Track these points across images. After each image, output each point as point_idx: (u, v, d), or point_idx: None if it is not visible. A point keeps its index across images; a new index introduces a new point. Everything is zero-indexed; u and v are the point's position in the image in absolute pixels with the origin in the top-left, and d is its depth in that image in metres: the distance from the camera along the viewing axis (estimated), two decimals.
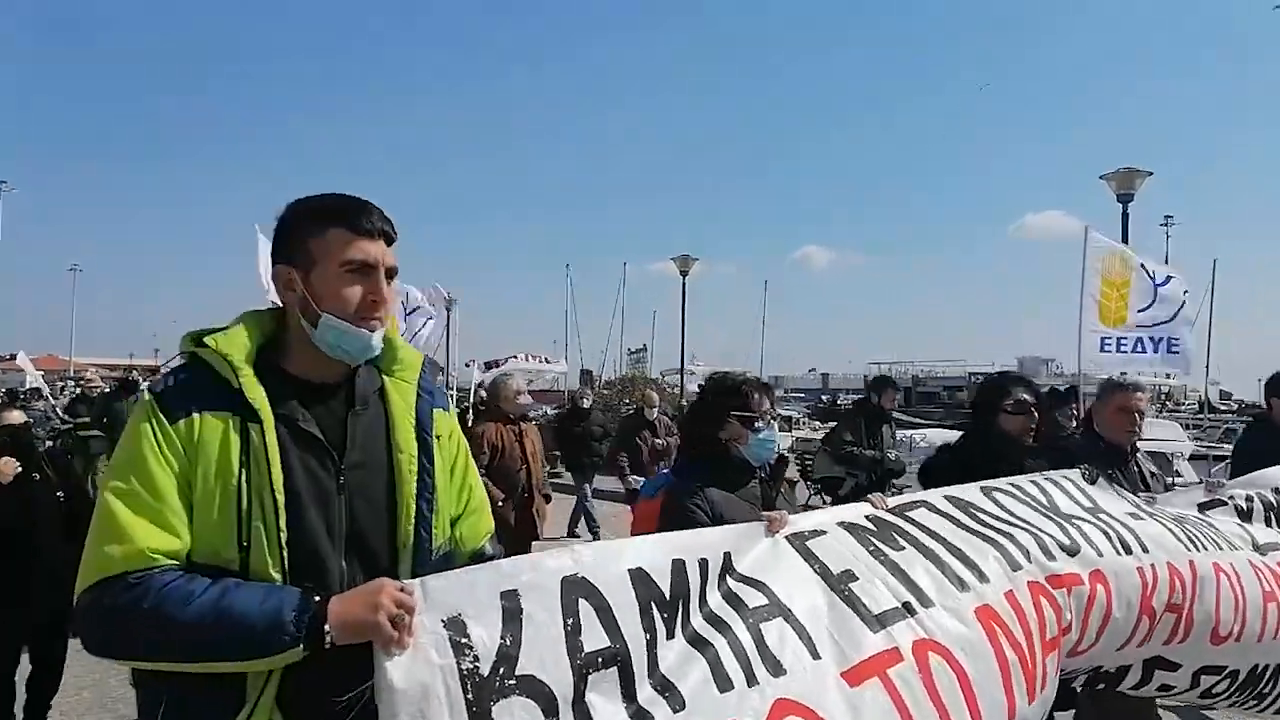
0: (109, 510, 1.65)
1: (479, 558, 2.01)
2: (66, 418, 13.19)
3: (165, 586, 1.61)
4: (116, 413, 12.21)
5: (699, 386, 3.35)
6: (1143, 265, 7.73)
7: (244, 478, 1.70)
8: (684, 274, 25.19)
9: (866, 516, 2.72)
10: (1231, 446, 7.79)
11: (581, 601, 1.81)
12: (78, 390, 18.08)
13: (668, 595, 2.00)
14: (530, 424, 7.19)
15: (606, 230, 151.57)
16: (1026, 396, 3.91)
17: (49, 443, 9.83)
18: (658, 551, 2.08)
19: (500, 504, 6.39)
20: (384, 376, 1.96)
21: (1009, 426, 3.89)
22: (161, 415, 1.71)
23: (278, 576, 1.69)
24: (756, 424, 3.15)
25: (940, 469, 3.80)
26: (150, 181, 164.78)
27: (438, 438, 1.96)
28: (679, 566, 2.07)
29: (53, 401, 20.10)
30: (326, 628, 1.59)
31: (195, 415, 1.71)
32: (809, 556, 2.41)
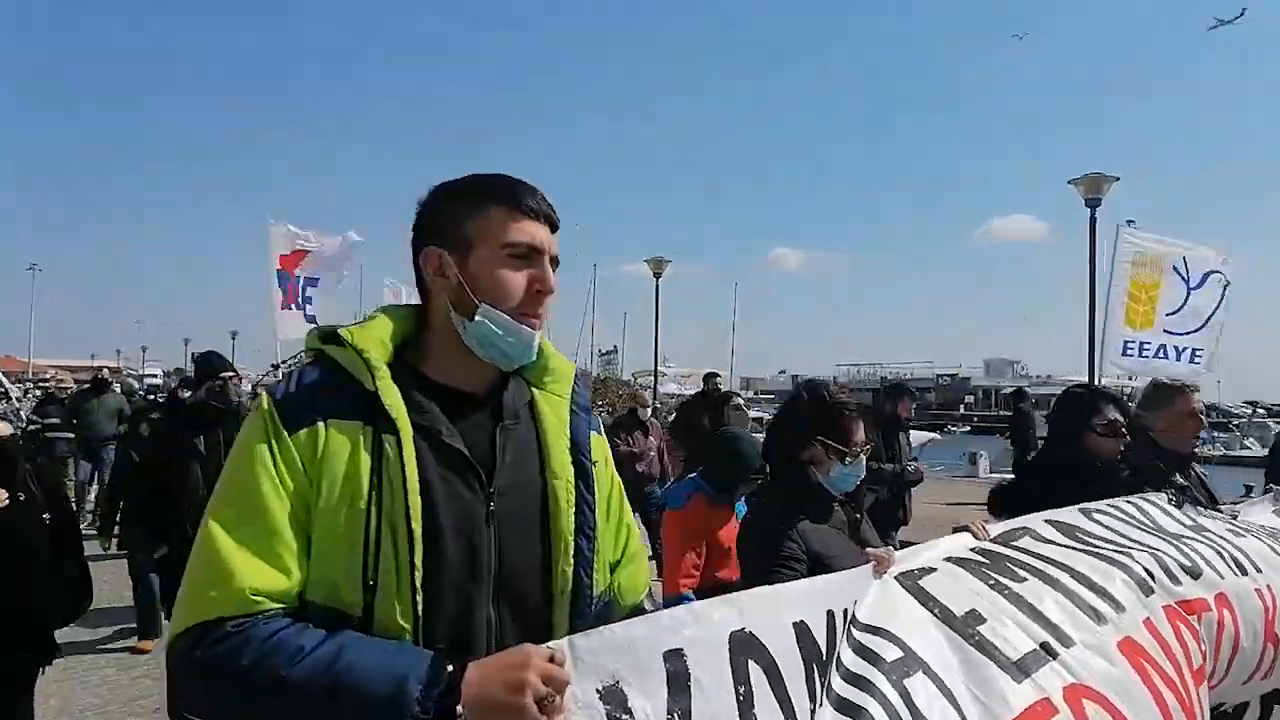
0: (211, 542, 1.37)
1: (636, 615, 1.70)
2: (35, 418, 12.72)
3: (270, 638, 1.32)
4: (86, 412, 12.00)
5: (796, 390, 2.96)
6: (1175, 268, 7.51)
7: (374, 500, 1.40)
8: (657, 275, 24.88)
9: (972, 549, 2.47)
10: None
11: (752, 664, 1.52)
12: (39, 392, 17.55)
13: (824, 653, 1.73)
14: None
15: (577, 231, 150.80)
16: (1118, 417, 3.57)
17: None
18: (813, 600, 1.81)
19: None
20: (533, 389, 1.66)
21: (1098, 449, 3.54)
22: (280, 425, 1.43)
23: (406, 626, 1.39)
24: (847, 458, 2.80)
25: (1017, 495, 3.52)
26: (114, 182, 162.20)
27: (594, 464, 1.65)
28: (830, 619, 1.80)
29: (17, 405, 19.48)
30: (459, 709, 1.28)
31: (320, 424, 1.43)
32: (925, 598, 2.15)
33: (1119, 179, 12.66)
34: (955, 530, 2.57)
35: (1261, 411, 55.16)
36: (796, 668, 1.61)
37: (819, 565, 2.56)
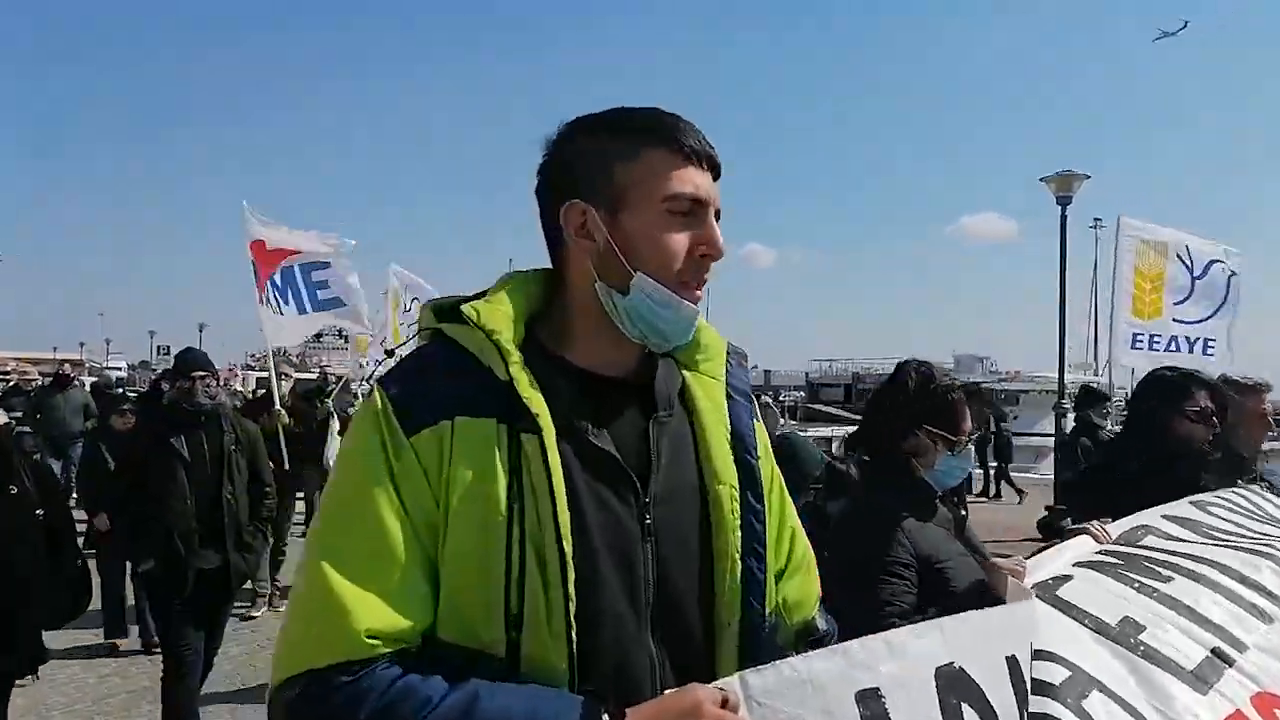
0: (317, 574, 1.13)
1: (808, 634, 1.44)
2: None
3: (391, 687, 1.09)
4: (50, 409, 11.79)
5: (898, 373, 2.65)
6: (1178, 256, 7.34)
7: (515, 514, 1.14)
8: None
9: (1098, 552, 2.21)
10: None
11: (966, 708, 1.26)
12: (1, 385, 17.20)
13: (1029, 692, 1.48)
14: None
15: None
16: (1209, 403, 3.33)
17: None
18: (1021, 631, 1.56)
19: None
20: (683, 371, 1.39)
21: (1187, 435, 3.31)
22: (397, 425, 1.17)
23: (561, 666, 1.15)
24: (955, 448, 2.49)
25: (1096, 484, 3.28)
26: (79, 169, 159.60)
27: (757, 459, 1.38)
28: (1030, 654, 1.56)
29: None
30: None
31: (445, 423, 1.17)
32: (1069, 609, 1.88)
33: (1089, 177, 13.03)
34: (1069, 532, 2.32)
35: None
36: (1010, 712, 1.35)
37: (929, 570, 2.30)
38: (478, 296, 1.29)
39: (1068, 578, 2.01)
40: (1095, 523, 2.35)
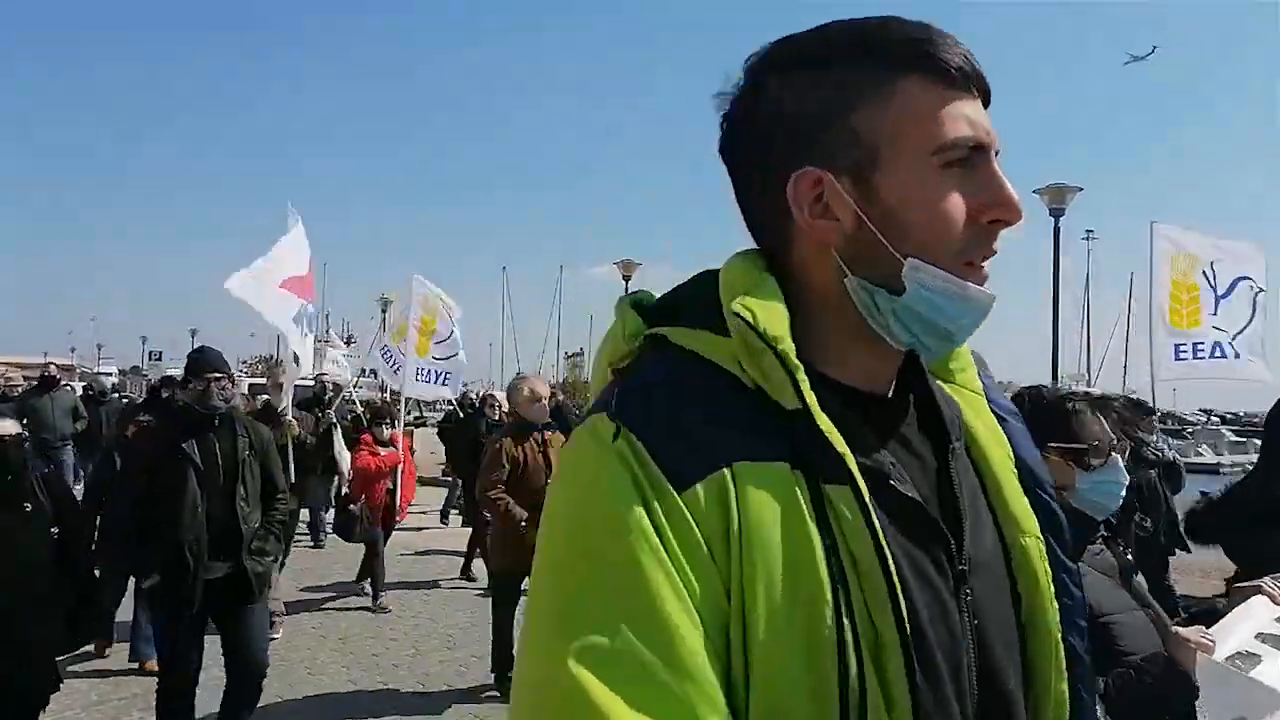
0: (574, 689, 0.73)
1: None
2: None
3: None
4: (36, 411, 11.45)
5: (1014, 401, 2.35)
6: (1204, 273, 7.08)
7: (839, 598, 0.78)
8: (627, 279, 24.63)
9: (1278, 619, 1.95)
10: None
11: None
12: None
13: None
14: (555, 434, 6.28)
15: (542, 232, 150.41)
16: None
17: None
18: None
19: (523, 526, 5.61)
20: (938, 382, 1.04)
21: None
22: (659, 475, 0.79)
23: None
24: (1090, 460, 2.16)
25: (1222, 522, 3.05)
26: (68, 170, 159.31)
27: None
28: None
29: None
30: None
31: (722, 471, 0.80)
32: None
33: (1081, 189, 13.41)
34: (1237, 587, 2.05)
35: (1216, 419, 56.10)
36: None
37: (1093, 625, 1.97)
38: (692, 292, 0.94)
39: (1256, 658, 1.75)
40: (1269, 580, 2.06)
